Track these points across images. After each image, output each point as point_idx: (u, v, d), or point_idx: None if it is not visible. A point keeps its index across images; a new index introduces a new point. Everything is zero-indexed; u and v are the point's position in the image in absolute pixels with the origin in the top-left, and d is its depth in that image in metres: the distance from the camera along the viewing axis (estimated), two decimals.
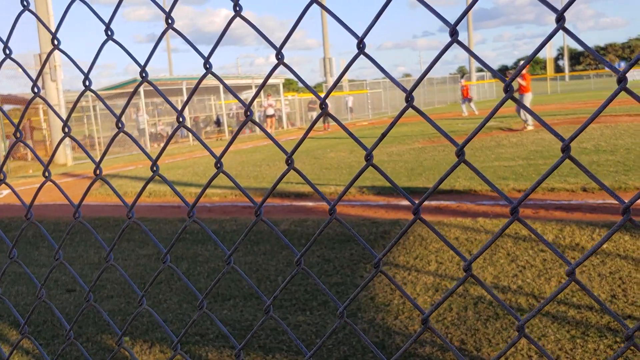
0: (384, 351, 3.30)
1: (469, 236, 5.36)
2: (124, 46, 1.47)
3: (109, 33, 1.44)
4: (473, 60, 50.15)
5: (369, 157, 1.12)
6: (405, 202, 7.44)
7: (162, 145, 24.78)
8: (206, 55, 1.33)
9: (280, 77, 31.22)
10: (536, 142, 12.22)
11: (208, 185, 1.41)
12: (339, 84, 35.56)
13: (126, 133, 1.47)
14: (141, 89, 22.65)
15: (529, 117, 15.45)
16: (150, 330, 3.89)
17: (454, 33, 0.98)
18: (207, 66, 1.35)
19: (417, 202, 1.08)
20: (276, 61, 1.24)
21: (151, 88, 1.46)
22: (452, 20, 0.99)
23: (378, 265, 1.22)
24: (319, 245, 5.41)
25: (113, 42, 1.46)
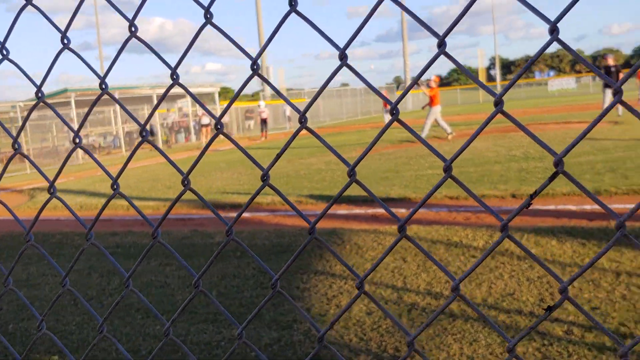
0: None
1: (402, 244, 5.42)
2: (81, 56, 1.41)
3: (66, 42, 1.38)
4: (409, 70, 51.19)
5: (352, 173, 1.10)
6: (342, 211, 7.48)
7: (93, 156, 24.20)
8: (173, 65, 1.29)
9: (216, 85, 30.97)
10: (468, 150, 12.53)
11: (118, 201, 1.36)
12: (273, 93, 35.39)
13: (84, 149, 1.41)
14: (72, 100, 21.99)
15: (447, 127, 15.85)
16: (52, 354, 3.75)
17: (441, 44, 0.97)
18: (175, 77, 1.30)
19: (402, 219, 1.07)
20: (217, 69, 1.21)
21: (82, 98, 1.40)
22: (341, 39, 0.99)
23: (361, 286, 1.20)
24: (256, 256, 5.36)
25: (63, 51, 1.39)
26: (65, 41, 1.39)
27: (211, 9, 1.19)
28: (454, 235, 5.42)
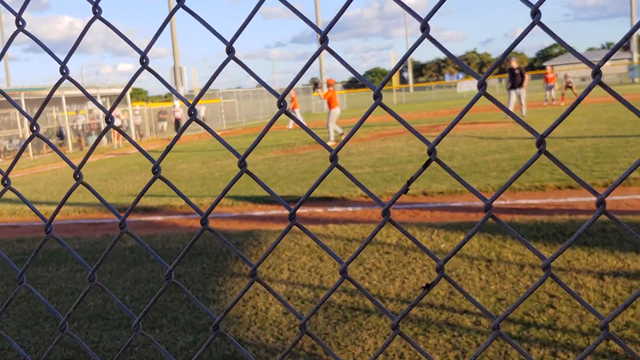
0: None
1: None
2: None
3: None
4: (324, 71, 51.67)
5: (242, 164, 1.10)
6: (258, 212, 7.46)
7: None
8: (62, 60, 1.24)
9: None
10: (382, 151, 12.81)
11: (66, 198, 1.31)
12: (190, 92, 34.85)
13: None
14: None
15: (331, 133, 15.99)
16: None
17: (425, 28, 0.97)
18: (64, 71, 1.25)
19: (293, 208, 1.07)
20: (140, 66, 1.17)
21: None
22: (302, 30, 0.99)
23: (254, 274, 1.19)
24: (169, 261, 5.25)
25: None
26: None
27: (122, 10, 1.16)
28: (369, 233, 5.53)
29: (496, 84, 56.44)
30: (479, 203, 6.76)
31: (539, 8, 0.86)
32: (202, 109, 32.86)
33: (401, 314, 1.07)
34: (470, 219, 6.00)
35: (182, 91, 36.95)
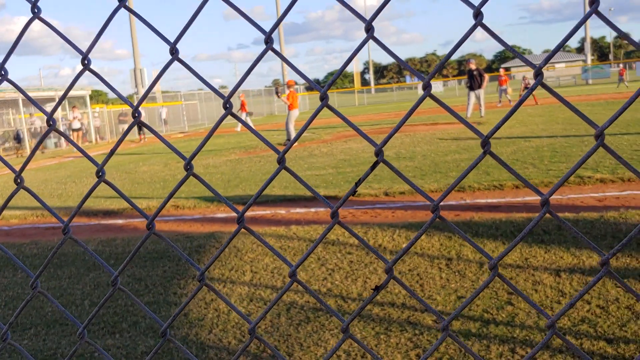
0: None
1: (283, 244, 5.48)
2: None
3: None
4: (286, 73, 51.64)
5: (281, 160, 1.10)
6: (221, 214, 7.42)
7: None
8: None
9: (87, 88, 29.57)
10: (344, 152, 12.87)
11: (7, 202, 1.28)
12: (151, 94, 34.41)
13: None
14: None
15: (292, 134, 16.01)
16: None
17: (369, 29, 0.97)
18: (2, 72, 1.22)
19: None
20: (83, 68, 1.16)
21: None
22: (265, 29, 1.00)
23: (202, 278, 1.19)
24: (129, 264, 5.19)
25: None
26: None
27: (80, 12, 1.15)
28: (331, 234, 5.55)
29: (456, 85, 57.26)
30: (464, 201, 6.85)
31: (481, 9, 0.88)
32: (163, 111, 32.48)
33: (350, 317, 1.08)
34: (457, 218, 6.07)
35: (142, 93, 36.45)
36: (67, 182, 12.12)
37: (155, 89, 37.35)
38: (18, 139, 25.59)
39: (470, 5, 0.90)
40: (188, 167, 1.10)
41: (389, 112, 32.00)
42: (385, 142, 0.95)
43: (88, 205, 8.56)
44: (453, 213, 6.25)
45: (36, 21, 1.17)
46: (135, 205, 1.18)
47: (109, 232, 6.88)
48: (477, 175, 8.00)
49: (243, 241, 5.67)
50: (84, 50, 1.14)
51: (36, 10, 1.16)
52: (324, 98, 0.98)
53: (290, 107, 16.16)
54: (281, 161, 1.03)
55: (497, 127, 0.90)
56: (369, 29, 0.96)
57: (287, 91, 16.56)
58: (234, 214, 7.30)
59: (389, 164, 1.01)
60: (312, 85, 0.99)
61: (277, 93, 17.23)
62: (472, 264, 4.51)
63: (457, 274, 4.34)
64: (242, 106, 26.67)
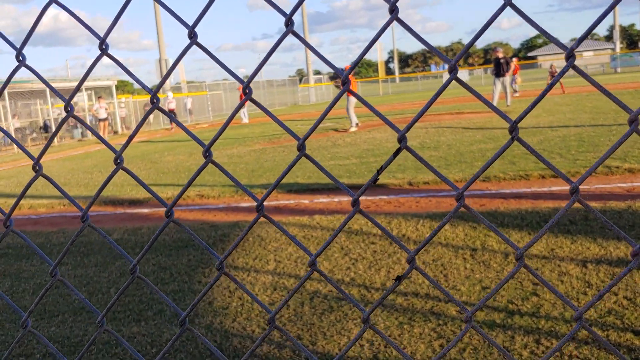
0: (221, 355, 3.27)
1: (306, 233, 5.48)
2: None
3: None
4: (310, 63, 51.58)
5: (301, 147, 1.09)
6: (245, 204, 7.45)
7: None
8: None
9: (113, 78, 29.86)
10: (368, 142, 12.82)
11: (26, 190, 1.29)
12: (177, 85, 34.54)
13: None
14: None
15: (353, 119, 16.12)
16: None
17: (393, 10, 0.95)
18: (20, 58, 1.22)
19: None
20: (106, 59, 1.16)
21: None
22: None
23: (221, 267, 1.19)
24: (155, 253, 5.24)
25: None
26: None
27: (107, 3, 1.13)
28: (354, 224, 5.54)
29: (482, 74, 56.63)
30: (465, 192, 6.80)
31: None
32: (188, 101, 32.68)
33: (371, 307, 1.07)
34: (482, 208, 6.03)
35: (168, 83, 36.69)
36: (93, 172, 12.28)
37: (180, 79, 37.60)
38: (45, 128, 25.99)
39: (564, 48, 0.88)
40: (207, 154, 1.10)
41: (413, 101, 31.80)
42: (408, 128, 0.94)
43: (114, 194, 8.66)
44: (478, 203, 6.20)
45: (63, 12, 1.16)
46: (154, 192, 1.18)
47: (135, 221, 6.95)
48: (502, 165, 7.91)
49: (267, 230, 5.69)
50: (110, 42, 1.14)
51: None
52: (345, 83, 0.97)
53: (347, 94, 16.27)
54: (301, 148, 1.02)
55: (526, 113, 0.88)
56: (393, 9, 0.95)
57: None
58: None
59: (412, 151, 1.00)
60: (334, 69, 0.98)
61: (336, 84, 17.31)
62: (497, 254, 4.47)
63: (481, 264, 4.30)
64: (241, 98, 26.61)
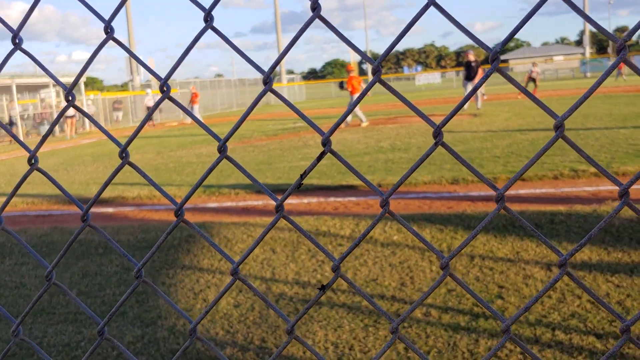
0: (184, 357, 3.21)
1: (273, 235, 5.43)
2: None
3: None
4: (283, 62, 51.40)
5: (222, 149, 1.03)
6: (212, 204, 7.37)
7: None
8: None
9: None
10: (340, 142, 12.81)
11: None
12: (147, 82, 34.10)
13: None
14: None
15: (362, 116, 16.53)
16: None
17: (315, 8, 0.90)
18: (17, 41, 1.13)
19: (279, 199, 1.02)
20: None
21: None
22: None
23: (236, 271, 1.14)
24: (117, 254, 5.14)
25: None
26: None
27: None
28: (323, 225, 5.52)
29: (454, 77, 57.17)
30: (433, 194, 6.82)
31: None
32: (150, 100, 32.29)
33: (295, 318, 1.03)
34: (423, 211, 6.04)
35: (138, 81, 36.26)
36: (59, 170, 12.05)
37: (150, 77, 37.16)
38: (11, 124, 25.43)
39: (487, 49, 0.85)
40: (222, 148, 1.02)
41: (386, 102, 31.90)
42: (332, 132, 0.90)
43: (79, 192, 8.50)
44: (446, 205, 6.22)
45: (29, 6, 1.09)
46: (164, 191, 1.13)
47: (98, 220, 6.81)
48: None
49: (234, 231, 5.63)
50: (81, 41, 1.07)
51: None
52: (376, 72, 0.91)
53: (352, 92, 16.52)
54: (327, 143, 0.96)
55: (449, 118, 0.86)
56: (315, 7, 0.91)
57: (348, 76, 17.03)
58: (226, 204, 7.27)
59: (337, 154, 0.96)
60: (364, 58, 0.93)
61: (341, 86, 17.75)
62: (463, 257, 4.48)
63: None
64: (193, 98, 25.35)
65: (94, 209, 7.56)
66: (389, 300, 3.77)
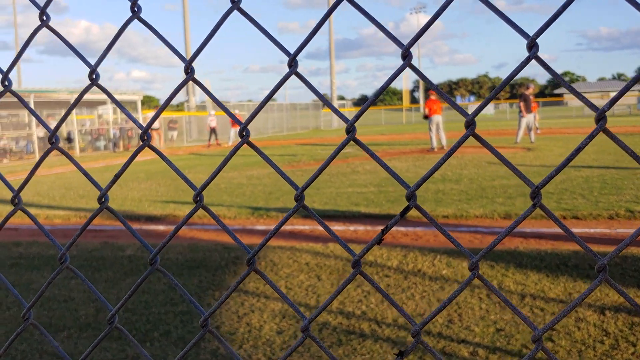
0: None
1: (319, 261, 5.41)
2: None
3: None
4: (335, 88, 51.84)
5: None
6: (260, 226, 7.40)
7: (4, 160, 22.71)
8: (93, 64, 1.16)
9: (138, 93, 30.26)
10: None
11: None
12: (202, 103, 35.01)
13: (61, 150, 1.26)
14: None
15: (443, 138, 17.31)
16: None
17: (406, 56, 0.91)
18: (94, 77, 1.16)
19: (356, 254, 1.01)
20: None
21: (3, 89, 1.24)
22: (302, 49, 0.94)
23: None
24: (168, 271, 5.19)
25: None
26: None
27: (138, 13, 1.08)
28: (369, 254, 5.46)
29: (507, 109, 56.42)
30: (484, 229, 6.69)
31: (537, 40, 0.81)
32: (213, 121, 32.94)
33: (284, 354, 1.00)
34: (474, 245, 5.92)
35: (193, 101, 37.10)
36: (112, 186, 12.34)
37: (206, 98, 37.97)
38: (69, 139, 26.31)
39: (525, 35, 0.83)
40: (197, 198, 1.04)
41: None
42: (418, 185, 0.88)
43: (131, 209, 8.67)
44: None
45: (94, 25, 1.11)
46: (141, 239, 1.13)
47: (148, 238, 6.93)
48: (523, 203, 7.79)
49: (280, 256, 5.63)
50: (141, 59, 1.09)
51: (136, 9, 1.10)
52: (350, 131, 0.91)
53: (429, 115, 17.06)
54: (299, 199, 0.95)
55: (550, 178, 0.82)
56: (406, 55, 0.90)
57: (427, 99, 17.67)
58: (274, 227, 7.28)
59: (422, 209, 0.93)
60: (393, 41, 0.92)
61: (425, 117, 18.22)
62: (514, 295, 4.35)
63: (497, 305, 4.18)
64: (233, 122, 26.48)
65: (145, 226, 7.70)
66: (435, 337, 3.69)
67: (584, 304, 4.12)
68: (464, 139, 0.86)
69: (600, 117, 0.77)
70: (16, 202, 1.23)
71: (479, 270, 0.91)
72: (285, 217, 0.98)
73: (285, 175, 0.98)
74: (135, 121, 1.15)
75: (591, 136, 0.77)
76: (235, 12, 1.01)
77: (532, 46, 0.83)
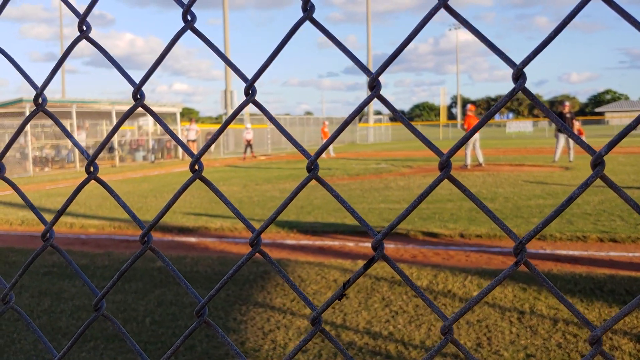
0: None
1: (347, 278, 5.35)
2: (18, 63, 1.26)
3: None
4: (372, 103, 51.73)
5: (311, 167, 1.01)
6: (290, 241, 7.39)
7: (45, 169, 23.27)
8: (138, 82, 1.12)
9: (178, 105, 30.72)
10: (422, 186, 12.63)
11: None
12: (239, 116, 35.43)
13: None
14: (27, 110, 21.49)
15: (481, 156, 17.30)
16: None
17: (374, 87, 0.87)
18: (139, 96, 1.13)
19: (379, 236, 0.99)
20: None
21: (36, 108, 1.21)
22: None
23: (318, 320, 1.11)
24: (194, 285, 5.22)
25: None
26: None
27: (190, 17, 1.04)
28: (395, 274, 5.39)
29: (546, 127, 55.60)
30: (544, 251, 6.54)
31: (524, 70, 0.76)
32: (249, 134, 33.25)
33: None
34: (507, 266, 5.80)
35: (230, 113, 37.49)
36: (148, 196, 12.51)
37: (244, 111, 38.38)
38: (110, 149, 26.81)
39: (511, 64, 0.77)
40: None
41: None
42: (392, 226, 0.84)
43: (163, 220, 8.76)
44: (532, 262, 5.93)
45: (139, 38, 1.07)
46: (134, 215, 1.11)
47: (179, 249, 6.99)
48: (559, 224, 7.61)
49: (308, 271, 5.60)
50: (184, 71, 1.08)
51: (190, 18, 1.04)
52: (374, 86, 0.87)
53: (468, 130, 17.06)
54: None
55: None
56: (373, 86, 0.86)
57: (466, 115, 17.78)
58: (303, 242, 7.27)
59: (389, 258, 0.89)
60: (361, 68, 0.88)
61: (463, 127, 18.45)
62: (546, 320, 4.23)
63: (528, 329, 4.08)
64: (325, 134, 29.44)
65: (177, 237, 7.76)
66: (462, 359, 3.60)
67: (618, 330, 3.98)
68: (437, 182, 0.82)
69: (597, 162, 0.72)
70: (47, 237, 1.19)
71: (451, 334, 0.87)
72: (238, 265, 0.95)
73: (242, 216, 0.95)
74: (177, 140, 1.08)
75: (585, 185, 0.72)
76: (275, 25, 0.98)
77: (519, 77, 0.75)
